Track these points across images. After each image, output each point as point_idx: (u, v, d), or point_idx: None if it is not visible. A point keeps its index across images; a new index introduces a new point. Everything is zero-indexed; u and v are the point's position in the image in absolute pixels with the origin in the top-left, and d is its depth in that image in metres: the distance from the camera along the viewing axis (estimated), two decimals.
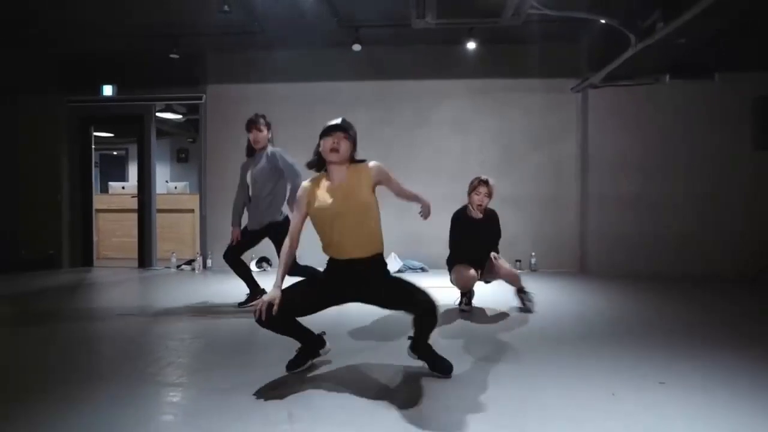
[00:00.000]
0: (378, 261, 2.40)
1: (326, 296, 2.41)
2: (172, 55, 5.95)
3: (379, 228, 2.41)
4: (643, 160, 6.09)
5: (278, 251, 3.73)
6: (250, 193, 3.98)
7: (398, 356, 2.68)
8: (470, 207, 3.87)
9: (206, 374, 2.53)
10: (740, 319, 3.81)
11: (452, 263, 3.91)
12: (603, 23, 4.94)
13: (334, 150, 2.32)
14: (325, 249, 2.43)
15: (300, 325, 2.46)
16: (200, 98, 6.72)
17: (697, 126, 6.01)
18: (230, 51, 6.59)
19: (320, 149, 2.38)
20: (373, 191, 2.37)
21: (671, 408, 2.04)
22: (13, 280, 5.75)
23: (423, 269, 6.28)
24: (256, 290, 4.12)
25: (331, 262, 2.42)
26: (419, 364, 2.50)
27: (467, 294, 3.98)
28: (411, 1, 4.13)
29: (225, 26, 5.59)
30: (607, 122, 6.16)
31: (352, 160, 2.40)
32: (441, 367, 2.40)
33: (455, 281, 3.88)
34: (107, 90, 6.74)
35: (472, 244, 3.84)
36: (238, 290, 5.13)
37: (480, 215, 3.86)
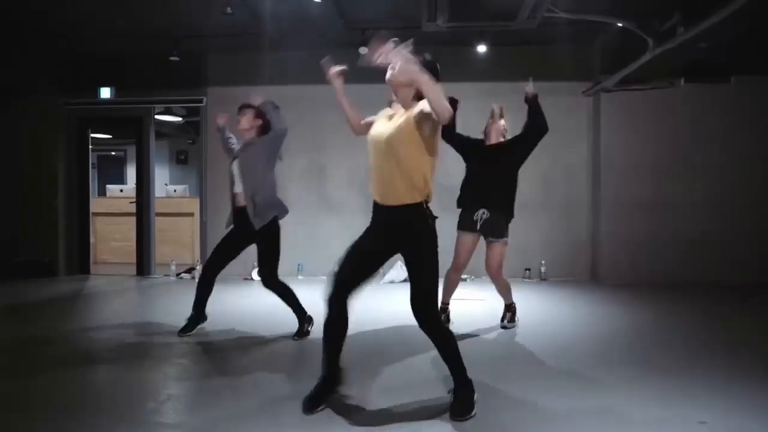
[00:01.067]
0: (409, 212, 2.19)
1: (368, 251, 2.31)
2: (172, 58, 5.76)
3: (419, 175, 2.17)
4: (658, 165, 5.93)
5: (261, 262, 3.54)
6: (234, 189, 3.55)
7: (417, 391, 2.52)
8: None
9: (206, 411, 2.35)
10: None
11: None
12: (618, 26, 4.76)
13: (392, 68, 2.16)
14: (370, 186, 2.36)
15: (339, 347, 2.30)
16: (201, 101, 6.53)
17: (712, 130, 5.85)
18: (232, 52, 6.40)
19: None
20: (420, 130, 2.14)
21: None
22: (7, 290, 5.57)
23: None
24: (199, 316, 3.69)
25: (374, 204, 2.34)
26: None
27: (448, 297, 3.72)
28: (422, 3, 3.94)
29: (227, 27, 5.40)
30: (620, 127, 5.99)
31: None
32: (454, 408, 2.20)
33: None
34: (105, 92, 6.54)
35: (485, 168, 3.64)
36: (239, 302, 4.97)
37: (497, 141, 3.73)
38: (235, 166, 3.52)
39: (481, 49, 5.69)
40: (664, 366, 2.91)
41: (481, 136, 3.85)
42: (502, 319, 3.82)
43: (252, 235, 3.47)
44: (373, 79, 6.32)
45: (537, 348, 3.27)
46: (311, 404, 2.23)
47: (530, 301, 4.73)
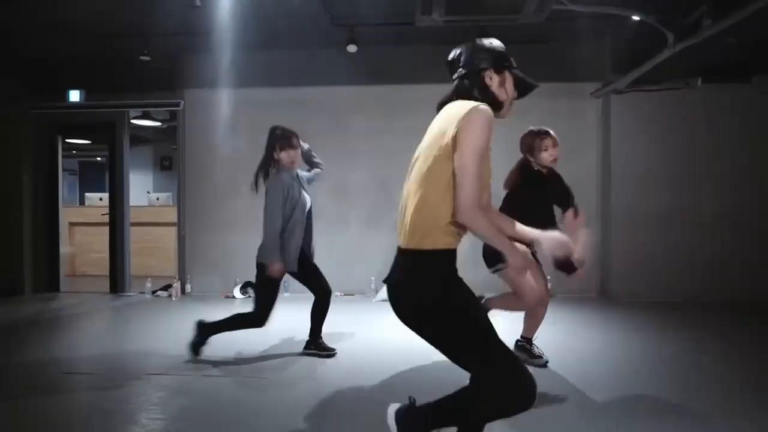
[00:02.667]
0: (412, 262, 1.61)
1: None
2: (142, 57, 5.27)
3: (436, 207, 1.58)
4: (672, 173, 5.48)
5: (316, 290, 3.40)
6: (301, 218, 3.38)
7: None
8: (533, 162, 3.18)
9: None
10: None
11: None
12: (635, 20, 4.30)
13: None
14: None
15: None
16: (178, 104, 6.04)
17: (733, 135, 5.41)
18: (209, 52, 5.91)
19: (499, 87, 1.74)
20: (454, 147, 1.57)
21: None
22: None
23: None
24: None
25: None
26: None
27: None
28: None
29: (201, 25, 4.92)
30: (632, 130, 5.54)
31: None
32: None
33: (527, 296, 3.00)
34: (74, 95, 6.05)
35: (541, 207, 3.03)
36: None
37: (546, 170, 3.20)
38: (308, 201, 3.44)
39: None
40: (681, 404, 2.44)
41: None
42: (540, 355, 3.30)
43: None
44: (366, 81, 5.90)
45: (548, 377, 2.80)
46: None
47: (551, 324, 4.28)
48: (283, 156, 3.31)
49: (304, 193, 3.40)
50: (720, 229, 5.39)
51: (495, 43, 1.76)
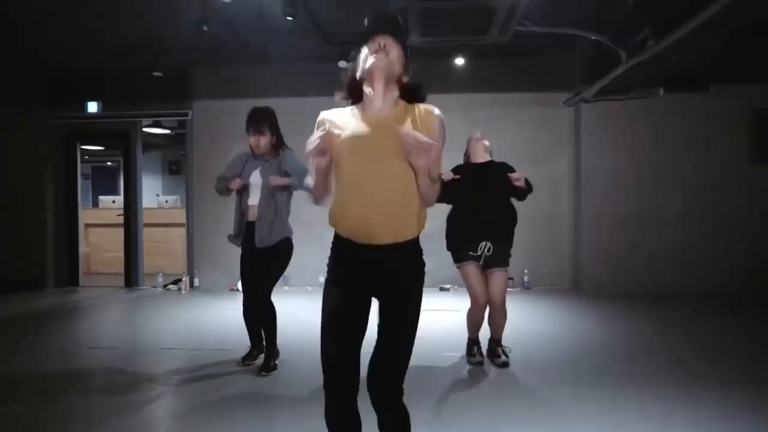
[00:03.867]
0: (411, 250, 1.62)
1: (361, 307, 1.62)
2: (155, 73, 5.83)
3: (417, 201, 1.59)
4: (638, 175, 5.96)
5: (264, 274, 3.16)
6: (249, 201, 3.30)
7: None
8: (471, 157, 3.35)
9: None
10: (743, 347, 3.67)
11: (455, 247, 3.22)
12: (591, 39, 4.81)
13: (380, 51, 1.53)
14: (338, 219, 1.61)
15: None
16: (186, 114, 6.60)
17: (692, 140, 5.88)
18: (216, 66, 6.48)
19: (359, 64, 1.60)
20: None
21: None
22: None
23: None
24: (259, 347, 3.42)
25: (344, 246, 1.60)
26: None
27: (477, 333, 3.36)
28: None
29: (210, 42, 5.46)
30: (601, 137, 6.03)
31: (405, 89, 1.63)
32: None
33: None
34: (92, 106, 6.62)
35: (480, 194, 3.12)
36: (223, 313, 5.01)
37: (485, 159, 3.32)
38: (256, 177, 3.29)
39: (459, 61, 5.73)
40: (633, 380, 2.94)
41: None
42: (499, 355, 3.32)
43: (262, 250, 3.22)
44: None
45: (523, 359, 3.29)
46: None
47: (514, 312, 4.76)
48: (252, 140, 3.33)
49: (254, 176, 3.29)
50: (681, 228, 5.86)
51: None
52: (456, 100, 6.39)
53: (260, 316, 3.28)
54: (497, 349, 3.35)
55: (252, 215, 3.26)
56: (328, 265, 1.63)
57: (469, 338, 3.42)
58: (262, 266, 3.22)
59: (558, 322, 4.60)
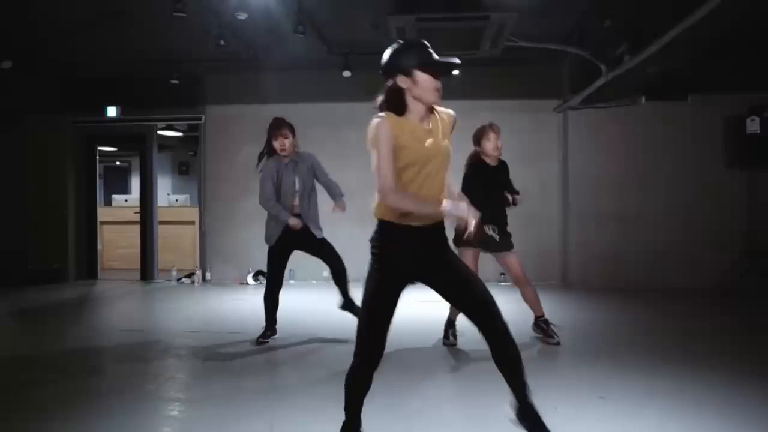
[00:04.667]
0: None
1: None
2: (172, 81, 6.27)
3: None
4: (622, 178, 6.37)
5: (330, 264, 3.69)
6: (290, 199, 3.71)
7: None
8: (483, 155, 3.64)
9: (199, 391, 2.82)
10: (703, 334, 4.08)
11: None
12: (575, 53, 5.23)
13: (439, 91, 1.88)
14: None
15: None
16: (200, 119, 7.04)
17: (672, 145, 6.29)
18: (227, 74, 6.92)
19: (410, 86, 1.85)
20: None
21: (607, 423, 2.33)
22: (21, 295, 6.06)
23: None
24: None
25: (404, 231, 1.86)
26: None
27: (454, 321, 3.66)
28: (393, 36, 4.42)
29: (222, 53, 5.89)
30: (587, 141, 6.45)
31: None
32: None
33: None
34: (111, 111, 7.07)
35: (492, 193, 3.54)
36: (235, 304, 5.44)
37: (495, 162, 3.67)
38: (299, 184, 3.73)
39: (455, 72, 6.13)
40: (600, 355, 3.36)
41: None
42: (551, 335, 3.63)
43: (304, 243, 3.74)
44: (360, 99, 6.85)
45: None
46: None
47: (506, 304, 5.17)
48: (276, 144, 3.66)
49: (292, 178, 3.69)
50: (662, 226, 6.28)
51: (402, 51, 1.90)
52: (453, 106, 6.65)
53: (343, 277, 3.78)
54: (547, 328, 3.64)
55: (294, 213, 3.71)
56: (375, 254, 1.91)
57: (448, 319, 3.65)
58: (327, 250, 3.79)
59: (546, 309, 5.03)
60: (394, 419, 2.34)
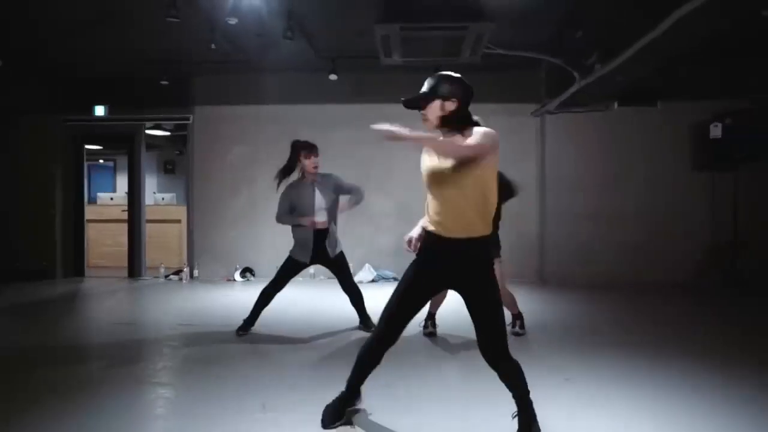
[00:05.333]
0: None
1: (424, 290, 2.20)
2: (162, 82, 6.39)
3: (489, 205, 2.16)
4: (596, 178, 6.69)
5: (344, 285, 3.97)
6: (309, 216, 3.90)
7: None
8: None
9: (192, 375, 3.00)
10: (666, 324, 4.39)
11: None
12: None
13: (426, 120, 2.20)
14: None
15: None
16: (188, 118, 7.17)
17: (643, 148, 6.64)
18: (216, 75, 7.06)
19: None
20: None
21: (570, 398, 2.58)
22: (9, 291, 6.13)
23: (395, 278, 6.81)
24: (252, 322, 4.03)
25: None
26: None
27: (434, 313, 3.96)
28: (377, 43, 4.64)
29: (211, 55, 6.04)
30: (563, 144, 6.75)
31: (460, 122, 2.19)
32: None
33: None
34: (99, 110, 7.15)
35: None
36: (223, 300, 5.60)
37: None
38: (320, 202, 3.95)
39: None
40: (565, 344, 3.62)
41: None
42: (513, 326, 3.98)
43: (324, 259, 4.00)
44: (346, 100, 7.07)
45: None
46: (333, 417, 2.24)
47: None
48: (307, 163, 3.89)
49: (315, 198, 3.93)
50: (634, 225, 6.61)
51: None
52: None
53: (358, 296, 4.06)
54: (515, 321, 4.01)
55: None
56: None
57: (429, 312, 3.96)
58: (339, 267, 4.05)
59: (522, 304, 5.29)
60: (385, 398, 2.56)
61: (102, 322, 4.48)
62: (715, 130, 6.00)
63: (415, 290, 2.16)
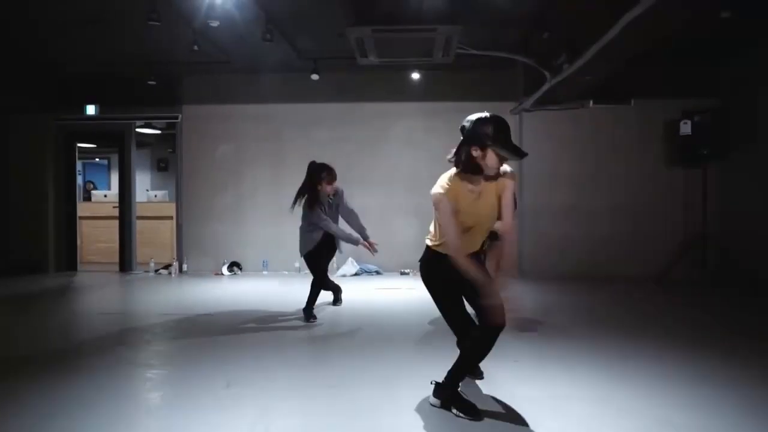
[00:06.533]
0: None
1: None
2: (150, 82, 6.59)
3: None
4: (571, 174, 6.90)
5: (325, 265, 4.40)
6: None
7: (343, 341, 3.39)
8: None
9: (170, 358, 3.22)
10: (633, 313, 4.60)
11: None
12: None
13: (499, 169, 2.32)
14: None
15: None
16: (176, 117, 7.37)
17: (617, 145, 6.84)
18: (203, 75, 7.26)
19: (482, 159, 2.26)
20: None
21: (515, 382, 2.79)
22: (2, 284, 6.33)
23: (378, 272, 7.02)
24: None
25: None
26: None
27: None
28: (353, 44, 4.84)
29: (198, 55, 6.24)
30: (541, 141, 6.95)
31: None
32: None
33: None
34: (90, 109, 7.35)
35: None
36: (209, 293, 5.81)
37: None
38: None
39: (415, 76, 6.61)
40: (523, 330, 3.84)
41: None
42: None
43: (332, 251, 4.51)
44: (329, 100, 7.26)
45: None
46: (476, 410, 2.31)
47: None
48: (328, 188, 4.32)
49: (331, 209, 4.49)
50: (608, 219, 6.82)
51: (484, 124, 2.26)
52: (415, 107, 7.28)
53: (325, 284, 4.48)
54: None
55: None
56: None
57: None
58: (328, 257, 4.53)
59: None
60: (371, 378, 2.77)
61: (89, 312, 4.68)
62: (685, 128, 6.20)
63: (447, 293, 2.50)
